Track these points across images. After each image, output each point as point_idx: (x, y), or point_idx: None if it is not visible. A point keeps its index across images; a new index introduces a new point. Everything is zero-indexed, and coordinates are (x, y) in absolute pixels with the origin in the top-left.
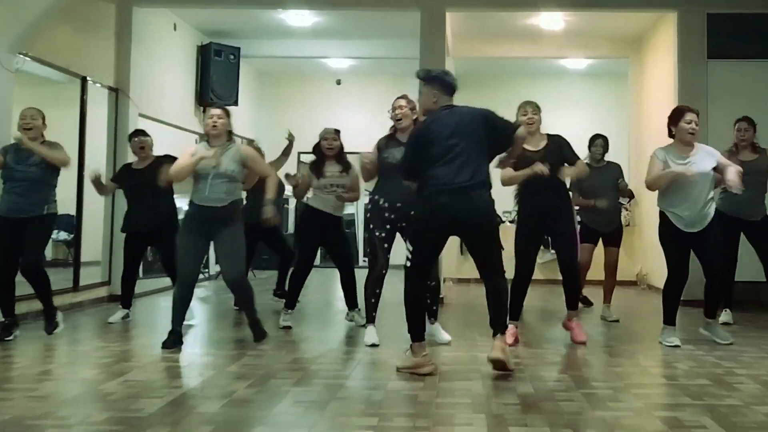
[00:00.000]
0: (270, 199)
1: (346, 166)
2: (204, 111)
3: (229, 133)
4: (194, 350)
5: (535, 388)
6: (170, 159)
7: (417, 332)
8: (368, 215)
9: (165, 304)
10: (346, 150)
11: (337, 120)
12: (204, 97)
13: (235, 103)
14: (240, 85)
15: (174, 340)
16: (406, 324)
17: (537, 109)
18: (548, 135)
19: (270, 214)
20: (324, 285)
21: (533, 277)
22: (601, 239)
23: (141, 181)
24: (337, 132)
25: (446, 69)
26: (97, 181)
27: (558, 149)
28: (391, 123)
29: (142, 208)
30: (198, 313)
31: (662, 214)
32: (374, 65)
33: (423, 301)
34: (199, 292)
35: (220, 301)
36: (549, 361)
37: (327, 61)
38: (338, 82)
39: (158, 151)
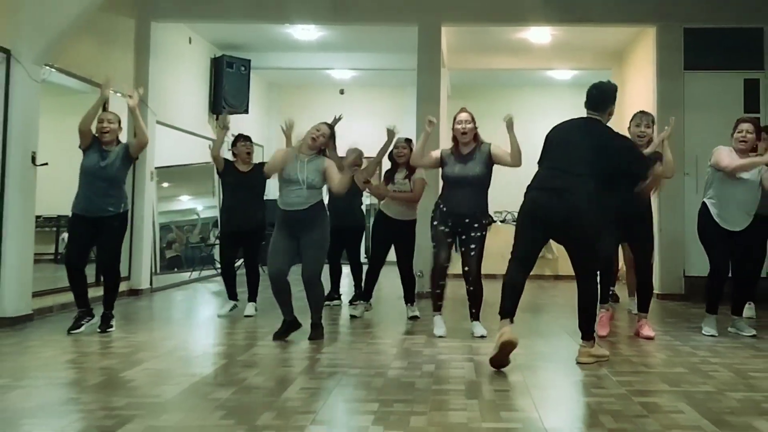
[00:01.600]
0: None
1: (411, 173)
2: (216, 118)
3: (321, 147)
4: (208, 341)
5: (525, 376)
6: None
7: (502, 310)
8: (433, 219)
9: (181, 297)
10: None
11: (340, 127)
12: (217, 106)
13: (246, 112)
14: (250, 94)
15: (284, 330)
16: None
17: (651, 122)
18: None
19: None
20: (327, 280)
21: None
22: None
23: (242, 184)
24: (408, 141)
25: (603, 83)
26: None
27: (657, 161)
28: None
29: (239, 209)
30: (211, 307)
31: (704, 209)
32: (375, 76)
33: (517, 287)
34: (212, 286)
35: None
36: (538, 351)
37: (331, 72)
38: (341, 92)
39: (173, 155)
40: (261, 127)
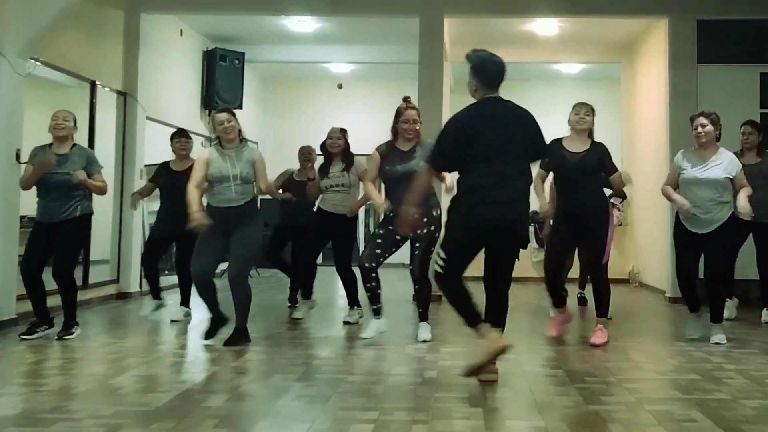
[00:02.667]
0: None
1: (349, 165)
2: (209, 114)
3: (239, 133)
4: (199, 346)
5: (530, 383)
6: None
7: (473, 319)
8: (380, 227)
9: (171, 301)
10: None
11: (339, 123)
12: (210, 101)
13: (240, 107)
14: (244, 89)
15: (213, 328)
16: (463, 321)
17: (590, 111)
18: (593, 141)
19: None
20: (325, 284)
21: (527, 275)
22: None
23: (177, 184)
24: (343, 131)
25: (493, 55)
26: (136, 199)
27: (598, 156)
28: (383, 125)
29: (173, 214)
30: (202, 310)
31: (676, 213)
32: (374, 70)
33: (470, 295)
34: None
35: (224, 299)
36: (543, 357)
37: (328, 66)
38: (339, 87)
39: (164, 152)
40: (255, 123)
